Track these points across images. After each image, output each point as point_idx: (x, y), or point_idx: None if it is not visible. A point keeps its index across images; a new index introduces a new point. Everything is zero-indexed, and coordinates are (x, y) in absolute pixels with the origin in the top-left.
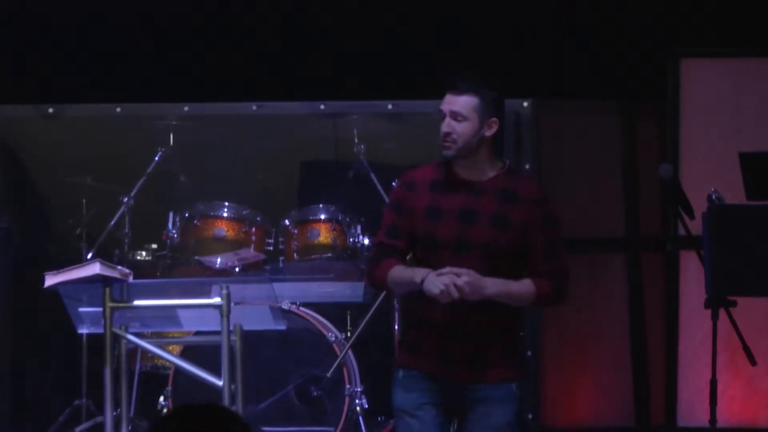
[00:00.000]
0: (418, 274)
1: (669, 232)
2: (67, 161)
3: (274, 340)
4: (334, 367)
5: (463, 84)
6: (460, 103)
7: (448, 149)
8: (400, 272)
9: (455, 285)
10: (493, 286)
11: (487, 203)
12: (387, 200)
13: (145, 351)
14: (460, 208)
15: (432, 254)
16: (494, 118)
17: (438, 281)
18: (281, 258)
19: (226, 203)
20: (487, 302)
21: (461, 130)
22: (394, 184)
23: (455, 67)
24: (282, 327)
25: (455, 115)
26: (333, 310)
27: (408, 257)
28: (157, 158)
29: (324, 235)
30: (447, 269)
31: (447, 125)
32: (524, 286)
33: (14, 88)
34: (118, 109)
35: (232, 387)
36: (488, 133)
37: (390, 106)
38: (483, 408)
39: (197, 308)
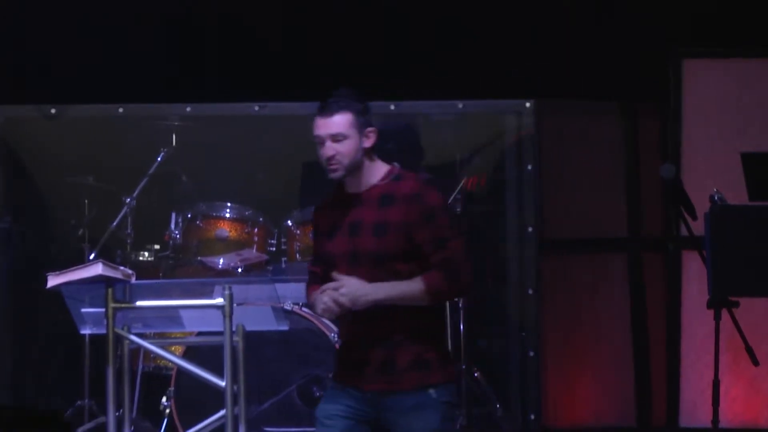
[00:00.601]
0: (312, 295)
1: (671, 233)
2: (68, 161)
3: (276, 341)
4: None
5: (332, 104)
6: (336, 123)
7: (335, 171)
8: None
9: (336, 299)
10: (377, 291)
11: (368, 212)
12: None
13: (147, 351)
14: (348, 222)
15: (333, 272)
16: (371, 128)
17: (319, 300)
18: (284, 258)
19: (229, 204)
20: (387, 308)
21: (344, 149)
22: None
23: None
24: (284, 327)
25: (335, 137)
26: None
27: None
28: (159, 159)
29: None
30: (327, 285)
31: (329, 148)
32: (414, 284)
33: (16, 88)
34: (120, 110)
35: (235, 387)
36: (367, 144)
37: (392, 107)
38: (400, 419)
39: (200, 309)
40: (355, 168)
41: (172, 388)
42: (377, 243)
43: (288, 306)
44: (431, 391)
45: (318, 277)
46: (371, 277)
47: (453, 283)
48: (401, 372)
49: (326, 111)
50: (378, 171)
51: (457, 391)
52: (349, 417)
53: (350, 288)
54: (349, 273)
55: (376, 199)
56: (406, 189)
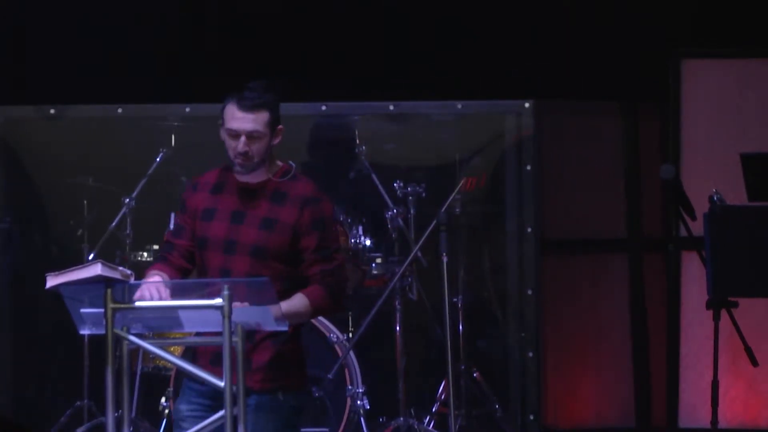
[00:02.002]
0: (152, 272)
1: (671, 233)
2: (68, 162)
3: None
4: (335, 368)
5: (254, 100)
6: (255, 121)
7: (243, 167)
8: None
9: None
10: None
11: (258, 205)
12: (388, 201)
13: (146, 352)
14: (233, 209)
15: (205, 255)
16: (280, 126)
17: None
18: None
19: None
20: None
21: (258, 147)
22: (395, 185)
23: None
24: (284, 328)
25: (251, 135)
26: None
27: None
28: (158, 159)
29: None
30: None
31: (243, 144)
32: (298, 302)
33: (15, 88)
34: (120, 110)
35: (234, 388)
36: (275, 141)
37: (391, 107)
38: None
39: (199, 309)
40: (261, 165)
41: (170, 389)
42: (261, 236)
43: None
44: (279, 394)
45: (179, 249)
46: (248, 269)
47: (336, 300)
48: (257, 370)
49: (247, 106)
50: (273, 166)
51: (456, 391)
52: (204, 417)
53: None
54: (223, 260)
55: (269, 194)
56: (302, 191)
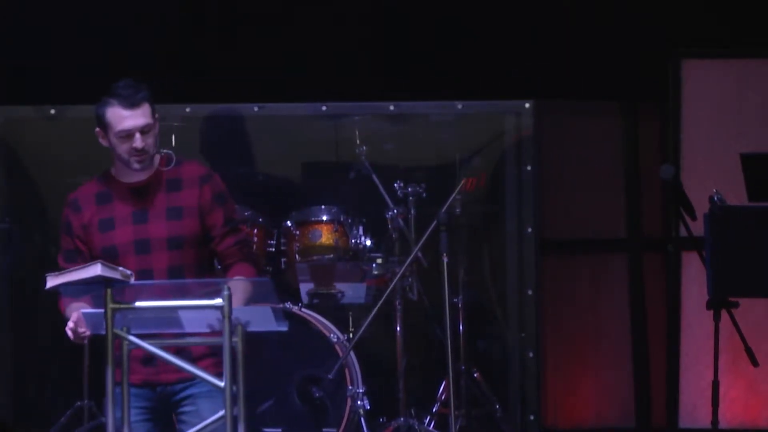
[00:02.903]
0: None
1: (671, 233)
2: (68, 162)
3: (275, 342)
4: (336, 368)
5: (135, 95)
6: (144, 115)
7: (142, 162)
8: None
9: None
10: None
11: (156, 198)
12: (389, 201)
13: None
14: (132, 211)
15: (116, 263)
16: (157, 114)
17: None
18: (283, 259)
19: None
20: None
21: (151, 141)
22: (395, 185)
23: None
24: (284, 328)
25: (144, 129)
26: (335, 311)
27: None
28: None
29: (326, 236)
30: None
31: (141, 141)
32: (246, 286)
33: (16, 88)
34: None
35: (234, 388)
36: (157, 130)
37: (392, 107)
38: (191, 407)
39: (199, 309)
40: (153, 158)
41: None
42: (173, 227)
43: (288, 306)
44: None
45: None
46: (168, 263)
47: (259, 269)
48: (197, 359)
49: (132, 103)
50: (155, 157)
51: (456, 392)
52: (147, 419)
53: None
54: (139, 261)
55: (162, 184)
56: (193, 172)
